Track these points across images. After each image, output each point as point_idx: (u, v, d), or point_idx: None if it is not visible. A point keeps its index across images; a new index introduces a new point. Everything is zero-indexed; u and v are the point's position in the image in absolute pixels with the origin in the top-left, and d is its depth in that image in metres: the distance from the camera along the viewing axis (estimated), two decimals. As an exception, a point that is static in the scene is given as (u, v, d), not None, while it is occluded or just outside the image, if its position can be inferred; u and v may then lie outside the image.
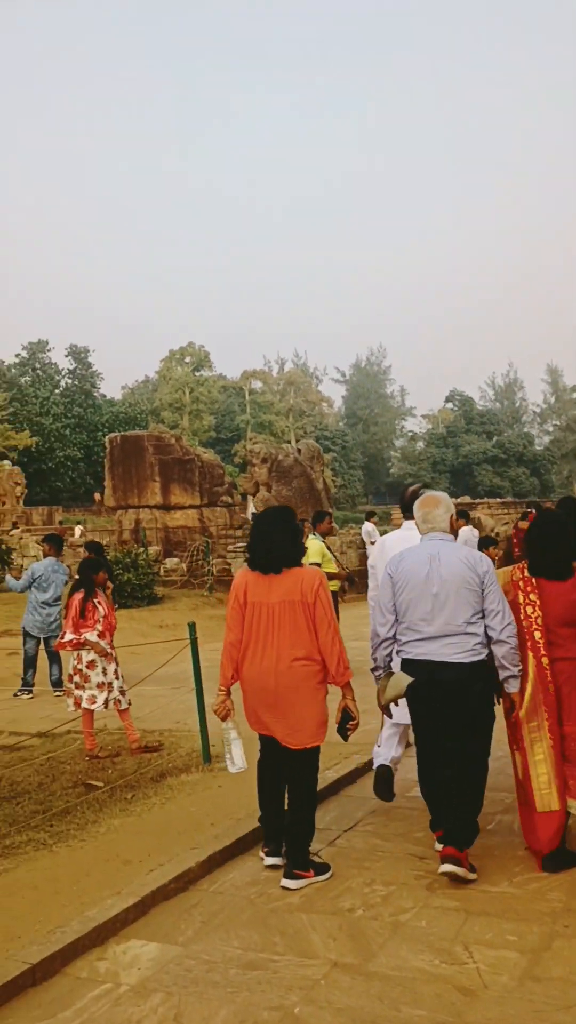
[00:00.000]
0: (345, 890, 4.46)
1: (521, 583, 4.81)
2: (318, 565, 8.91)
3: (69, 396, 67.70)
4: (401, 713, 5.05)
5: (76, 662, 7.51)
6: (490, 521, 23.26)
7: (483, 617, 4.63)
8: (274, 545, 4.66)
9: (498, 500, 47.11)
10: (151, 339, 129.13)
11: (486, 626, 4.62)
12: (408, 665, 4.73)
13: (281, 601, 4.57)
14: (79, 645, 7.48)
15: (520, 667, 4.65)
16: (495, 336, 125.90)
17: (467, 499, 40.63)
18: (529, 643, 4.69)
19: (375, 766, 5.77)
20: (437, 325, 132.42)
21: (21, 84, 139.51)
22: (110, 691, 7.40)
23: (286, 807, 4.76)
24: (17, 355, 70.47)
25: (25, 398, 62.26)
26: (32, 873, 4.78)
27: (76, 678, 7.47)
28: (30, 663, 10.50)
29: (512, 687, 4.65)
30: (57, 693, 10.03)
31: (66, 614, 7.72)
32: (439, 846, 4.77)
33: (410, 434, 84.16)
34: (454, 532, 4.95)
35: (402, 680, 4.71)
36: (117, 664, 7.59)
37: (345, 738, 4.77)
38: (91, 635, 7.49)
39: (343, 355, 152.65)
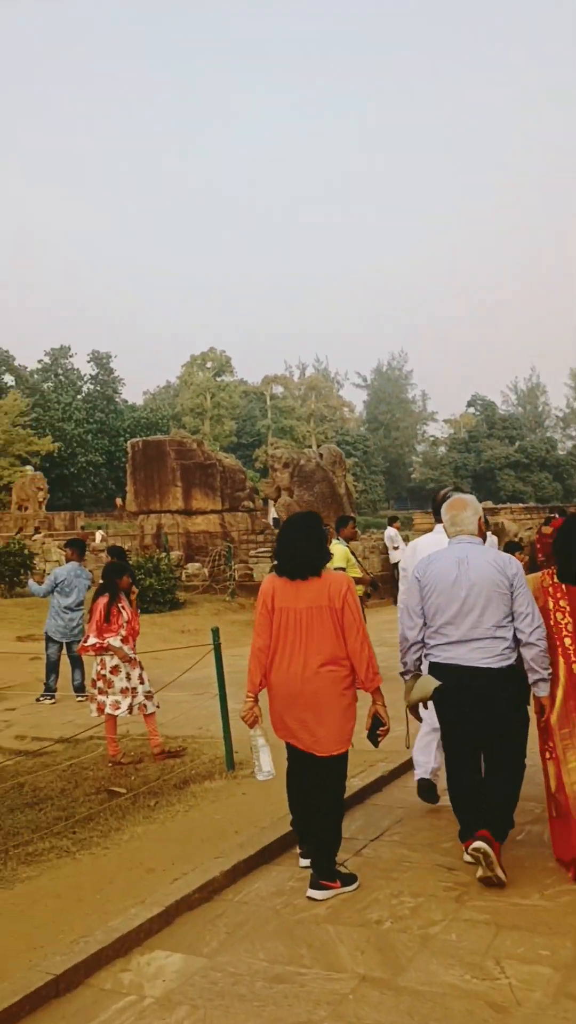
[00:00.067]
0: (372, 901, 4.38)
1: (551, 589, 4.73)
2: (343, 570, 8.83)
3: (91, 402, 68.02)
4: (433, 716, 4.99)
5: (100, 667, 7.47)
6: (513, 526, 23.08)
7: (512, 620, 4.55)
8: (298, 551, 4.61)
9: (520, 505, 46.77)
10: (173, 345, 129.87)
11: (515, 629, 4.54)
12: (436, 669, 4.67)
13: (308, 607, 4.51)
14: (102, 649, 7.45)
15: (550, 670, 4.56)
16: (518, 340, 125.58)
17: (489, 504, 40.35)
18: (560, 649, 4.60)
19: (416, 778, 5.71)
20: (459, 330, 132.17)
21: (22, 84, 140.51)
22: (134, 696, 7.35)
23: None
24: (40, 361, 70.94)
25: (48, 404, 62.57)
26: (55, 881, 4.72)
27: (99, 683, 7.42)
28: (52, 668, 10.47)
29: (542, 691, 4.57)
30: (79, 698, 10.00)
31: (90, 618, 7.68)
32: (468, 857, 4.69)
33: (432, 439, 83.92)
34: (483, 535, 4.87)
35: (429, 683, 4.65)
36: (142, 668, 7.55)
37: (375, 744, 4.69)
38: (114, 640, 7.44)
39: (364, 360, 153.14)
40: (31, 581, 11.72)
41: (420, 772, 5.71)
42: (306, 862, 4.73)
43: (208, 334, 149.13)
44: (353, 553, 10.10)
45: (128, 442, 27.20)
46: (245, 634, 14.73)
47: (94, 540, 28.39)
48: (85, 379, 71.73)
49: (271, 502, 25.71)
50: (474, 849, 4.38)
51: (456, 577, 4.60)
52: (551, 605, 4.68)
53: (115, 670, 7.39)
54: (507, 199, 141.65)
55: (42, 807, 6.14)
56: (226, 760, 6.80)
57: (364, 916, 4.22)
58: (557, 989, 3.46)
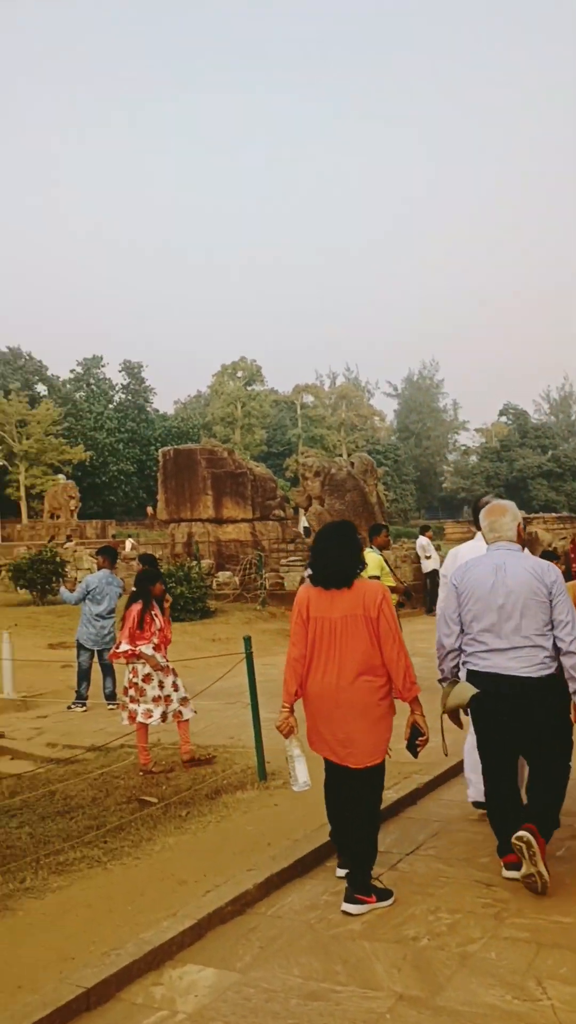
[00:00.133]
0: (409, 917, 4.28)
1: None
2: (377, 579, 8.74)
3: (123, 411, 68.45)
4: None
5: (132, 675, 7.43)
6: (547, 536, 22.85)
7: (552, 628, 4.45)
8: (332, 560, 4.56)
9: (553, 515, 46.36)
10: (203, 354, 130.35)
11: (555, 637, 4.44)
12: (474, 677, 4.58)
13: (344, 616, 4.44)
14: (133, 656, 7.41)
15: None
16: (550, 349, 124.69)
17: (522, 514, 40.08)
18: (602, 660, 4.48)
19: (471, 800, 5.58)
20: (491, 338, 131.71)
21: (30, 83, 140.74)
22: (168, 704, 7.31)
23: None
24: (72, 371, 71.58)
25: (80, 413, 63.07)
26: (86, 891, 4.67)
27: (131, 691, 7.38)
28: (83, 676, 10.46)
29: None
30: (110, 706, 9.98)
31: (123, 624, 7.65)
32: (507, 872, 4.59)
33: (463, 448, 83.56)
34: (522, 542, 4.77)
35: (466, 691, 4.58)
36: (176, 675, 7.50)
37: (415, 754, 4.61)
38: (146, 648, 7.40)
39: (395, 369, 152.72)
40: (63, 588, 11.75)
41: (474, 794, 5.55)
42: (343, 872, 4.65)
43: (239, 344, 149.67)
44: (387, 562, 10.00)
45: (160, 450, 27.25)
46: (276, 643, 14.66)
47: (124, 548, 28.45)
48: (117, 388, 72.23)
49: (302, 511, 25.63)
50: (517, 838, 4.26)
51: (493, 584, 4.52)
52: None
53: (147, 678, 7.34)
54: (539, 205, 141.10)
55: (73, 816, 6.10)
56: (258, 770, 6.72)
57: (400, 932, 4.12)
58: (602, 1012, 3.35)
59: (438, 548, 21.28)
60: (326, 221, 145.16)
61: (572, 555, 18.12)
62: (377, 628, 4.41)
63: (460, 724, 4.90)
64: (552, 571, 4.54)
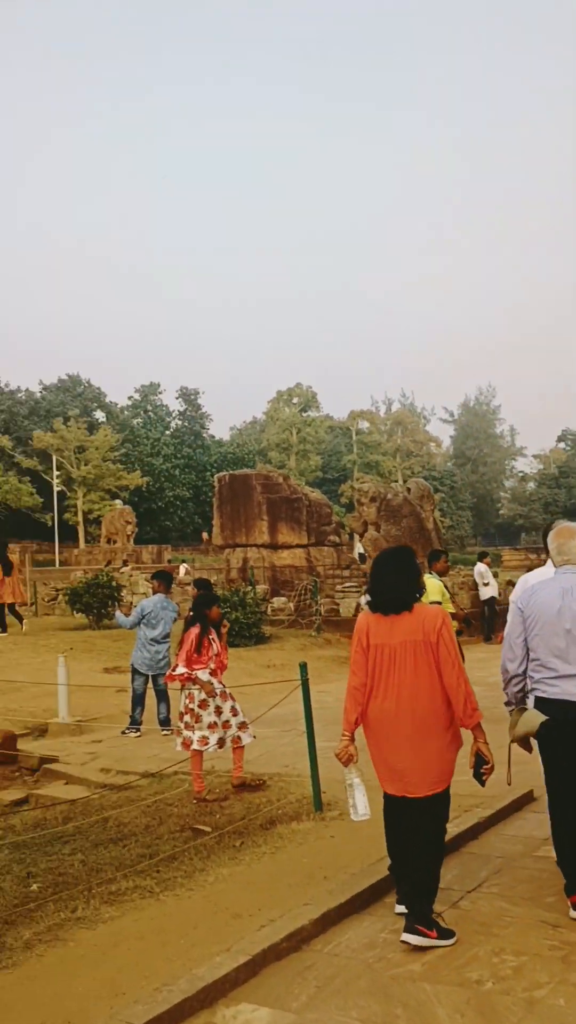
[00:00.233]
0: (472, 959, 4.09)
1: None
2: (438, 603, 8.58)
3: (179, 437, 69.12)
4: None
5: (188, 701, 7.36)
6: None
7: None
8: (389, 586, 4.45)
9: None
10: (259, 380, 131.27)
11: None
12: (542, 704, 4.42)
13: (403, 641, 4.32)
14: (188, 680, 7.34)
15: None
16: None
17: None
18: None
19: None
20: (548, 363, 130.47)
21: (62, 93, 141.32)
22: (227, 729, 7.23)
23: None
24: (130, 398, 72.61)
25: (137, 439, 63.82)
26: (138, 923, 4.57)
27: (187, 717, 7.30)
28: (138, 700, 10.41)
29: None
30: (164, 732, 9.90)
31: (180, 647, 7.59)
32: (575, 913, 4.38)
33: (520, 474, 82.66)
34: None
35: (535, 718, 4.44)
36: (233, 700, 7.42)
37: (482, 783, 4.45)
38: (203, 673, 7.33)
39: (451, 395, 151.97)
40: (118, 613, 11.75)
41: None
42: (401, 908, 4.48)
43: (295, 370, 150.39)
44: (447, 587, 9.82)
45: (215, 476, 27.36)
46: (331, 670, 14.50)
47: (178, 574, 28.56)
48: (173, 415, 73.01)
49: (357, 537, 25.47)
50: None
51: (560, 608, 4.38)
52: None
53: (203, 704, 7.26)
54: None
55: (126, 843, 6.02)
56: (314, 800, 6.57)
57: (463, 975, 3.94)
58: None
59: (496, 575, 20.94)
60: (384, 247, 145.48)
61: None
62: (437, 653, 4.29)
63: (529, 749, 4.74)
64: (622, 596, 4.38)
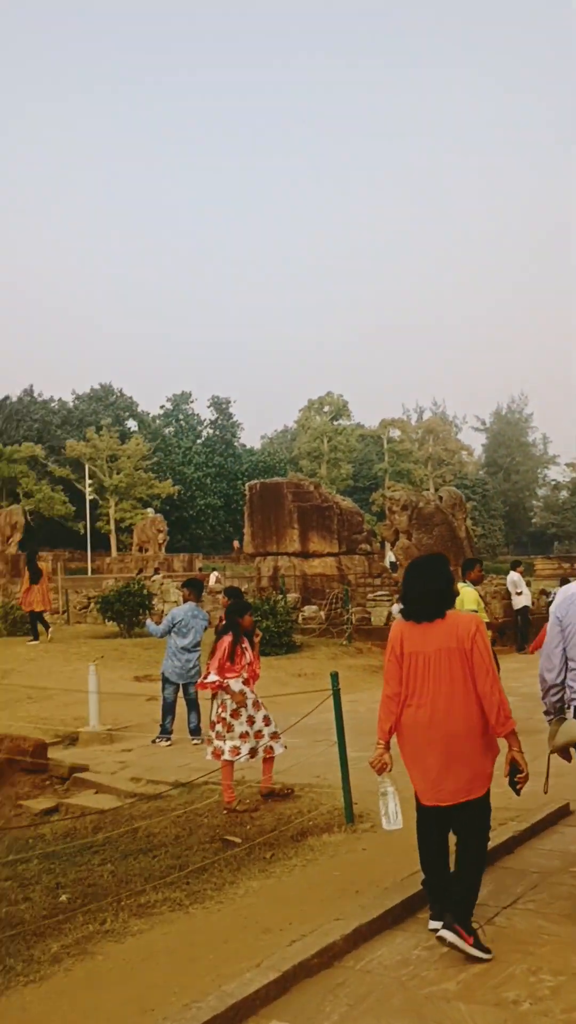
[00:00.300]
0: (508, 978, 3.98)
1: None
2: (474, 611, 8.47)
3: (210, 446, 69.28)
4: None
5: (220, 710, 7.29)
6: None
7: None
8: (420, 594, 4.40)
9: None
10: (290, 389, 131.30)
11: None
12: None
13: (438, 649, 4.26)
14: (219, 688, 7.28)
15: None
16: None
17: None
18: None
19: None
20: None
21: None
22: (259, 739, 7.17)
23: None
24: (162, 407, 72.91)
25: (168, 448, 64.08)
26: (167, 937, 4.50)
27: (219, 727, 7.24)
28: (168, 709, 10.37)
29: None
30: (195, 741, 9.85)
31: (212, 655, 7.54)
32: (614, 933, 4.26)
33: (553, 483, 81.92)
34: None
35: (574, 728, 4.32)
36: (265, 710, 7.35)
37: (517, 792, 4.35)
38: (235, 683, 7.27)
39: (483, 403, 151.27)
40: (149, 621, 11.72)
41: None
42: (436, 924, 4.38)
43: (325, 379, 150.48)
44: (481, 596, 9.71)
45: (246, 484, 27.32)
46: (362, 679, 14.38)
47: (209, 582, 28.54)
48: (205, 424, 73.19)
49: (388, 545, 25.32)
50: None
51: None
52: None
53: (235, 713, 7.20)
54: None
55: (155, 854, 5.96)
56: (345, 812, 6.48)
57: (499, 994, 3.83)
58: None
59: (528, 584, 20.72)
60: (414, 256, 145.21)
61: None
62: (471, 660, 4.21)
63: (569, 758, 4.64)
64: None
